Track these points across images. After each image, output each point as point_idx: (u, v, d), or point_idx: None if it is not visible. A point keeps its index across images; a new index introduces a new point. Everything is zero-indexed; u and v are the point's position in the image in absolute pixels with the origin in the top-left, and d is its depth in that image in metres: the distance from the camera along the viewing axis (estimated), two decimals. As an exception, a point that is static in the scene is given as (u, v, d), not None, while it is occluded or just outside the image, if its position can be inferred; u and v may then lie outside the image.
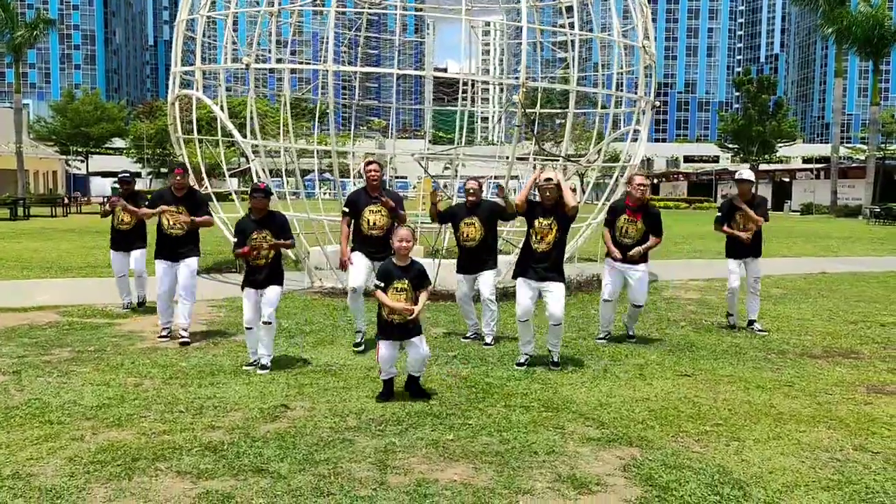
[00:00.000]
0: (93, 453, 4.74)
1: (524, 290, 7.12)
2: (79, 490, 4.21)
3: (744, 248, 8.98)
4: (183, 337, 7.98)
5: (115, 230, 9.93)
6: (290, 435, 5.12)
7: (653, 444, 5.07)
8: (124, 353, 7.55)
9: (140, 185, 74.70)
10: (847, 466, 4.73)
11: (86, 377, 6.56)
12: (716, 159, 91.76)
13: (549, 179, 7.08)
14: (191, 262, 8.22)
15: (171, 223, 8.20)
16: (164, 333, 8.26)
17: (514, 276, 7.29)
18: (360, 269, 7.90)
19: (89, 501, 4.09)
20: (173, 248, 8.20)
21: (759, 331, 8.95)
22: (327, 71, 11.36)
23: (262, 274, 6.94)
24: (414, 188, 39.39)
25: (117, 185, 10.20)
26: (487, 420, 5.52)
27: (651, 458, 4.82)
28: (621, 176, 13.60)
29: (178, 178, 8.27)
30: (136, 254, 9.89)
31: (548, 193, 7.06)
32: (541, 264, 7.07)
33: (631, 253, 8.02)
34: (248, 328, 6.97)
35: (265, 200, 7.04)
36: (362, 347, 7.78)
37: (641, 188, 8.03)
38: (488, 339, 8.10)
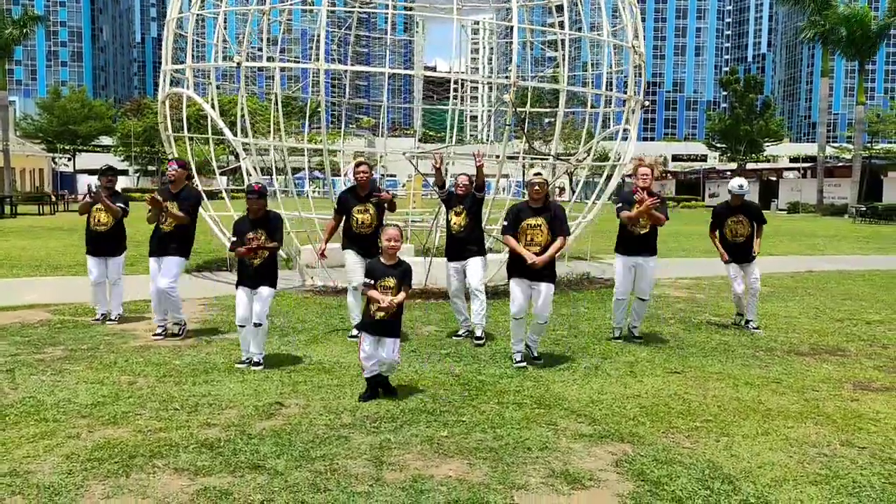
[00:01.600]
0: (90, 451, 4.76)
1: (518, 289, 7.13)
2: (77, 487, 4.24)
3: (739, 254, 9.06)
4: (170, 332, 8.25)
5: (91, 232, 8.89)
6: (285, 432, 5.17)
7: (644, 440, 5.15)
8: (117, 351, 7.56)
9: (128, 182, 74.63)
10: (834, 461, 4.82)
11: (79, 375, 6.57)
12: (704, 158, 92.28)
13: (538, 173, 7.13)
14: (173, 262, 8.22)
15: (164, 218, 8.16)
16: (159, 331, 8.26)
17: (509, 277, 7.29)
18: (356, 267, 8.08)
19: (88, 498, 4.12)
20: (161, 244, 8.20)
21: (755, 329, 9.07)
22: (318, 69, 11.38)
23: (256, 273, 6.97)
24: (404, 186, 39.43)
25: (99, 183, 8.90)
26: (481, 417, 5.58)
27: (642, 453, 4.90)
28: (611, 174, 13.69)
29: (173, 169, 8.22)
30: (114, 260, 8.97)
31: (536, 188, 7.03)
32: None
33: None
34: (240, 326, 7.00)
35: (260, 201, 7.00)
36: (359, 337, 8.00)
37: (644, 177, 8.01)
38: (478, 332, 8.15)
